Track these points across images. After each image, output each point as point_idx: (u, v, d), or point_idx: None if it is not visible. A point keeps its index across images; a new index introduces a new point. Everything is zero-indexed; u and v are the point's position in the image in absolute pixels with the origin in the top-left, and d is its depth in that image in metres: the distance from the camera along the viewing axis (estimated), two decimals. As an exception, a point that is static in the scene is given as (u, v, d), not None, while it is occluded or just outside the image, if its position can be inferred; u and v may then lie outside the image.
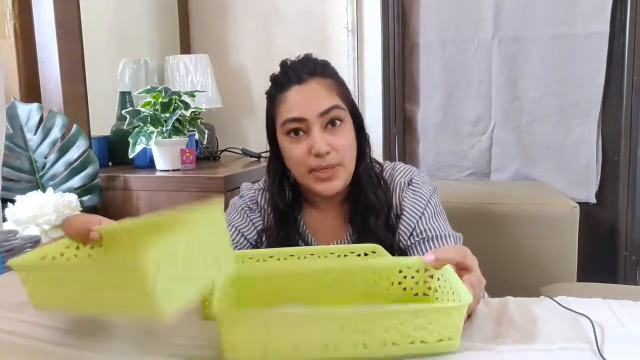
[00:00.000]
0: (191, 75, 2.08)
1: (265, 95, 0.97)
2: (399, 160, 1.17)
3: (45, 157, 1.55)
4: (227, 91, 2.25)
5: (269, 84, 0.97)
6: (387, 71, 2.12)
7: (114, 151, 1.86)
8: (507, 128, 2.06)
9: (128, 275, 0.48)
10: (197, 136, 1.72)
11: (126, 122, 1.61)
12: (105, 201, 1.62)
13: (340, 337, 0.51)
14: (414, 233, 0.94)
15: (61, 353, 0.57)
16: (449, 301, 0.59)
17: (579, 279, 1.42)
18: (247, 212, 1.01)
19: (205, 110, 1.86)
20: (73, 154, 1.55)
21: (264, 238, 1.00)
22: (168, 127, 1.62)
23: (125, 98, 1.84)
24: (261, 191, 1.03)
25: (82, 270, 0.56)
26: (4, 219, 1.31)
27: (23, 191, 1.40)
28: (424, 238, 0.93)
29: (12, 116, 1.54)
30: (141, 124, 1.61)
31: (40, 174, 1.55)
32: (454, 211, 1.07)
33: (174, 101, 1.64)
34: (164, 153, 1.68)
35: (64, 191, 1.46)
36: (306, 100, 0.90)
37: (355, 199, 0.96)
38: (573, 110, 2.00)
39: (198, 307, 0.66)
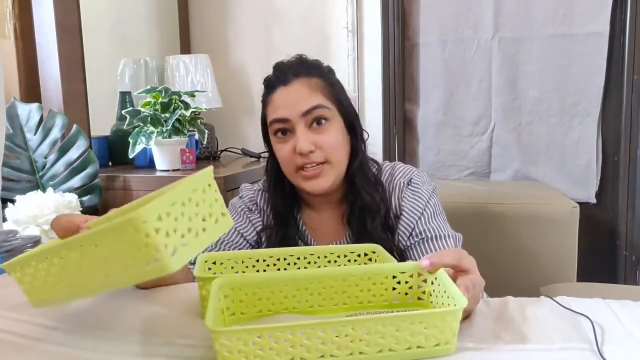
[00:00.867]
0: (191, 75, 2.08)
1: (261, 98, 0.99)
2: (398, 160, 1.17)
3: (45, 157, 1.55)
4: (227, 91, 2.25)
5: (263, 85, 0.98)
6: (387, 71, 2.12)
7: (114, 151, 1.86)
8: (507, 128, 2.06)
9: (125, 235, 0.47)
10: (197, 136, 1.72)
11: (126, 122, 1.61)
12: (105, 201, 1.62)
13: (337, 345, 0.51)
14: (414, 233, 0.94)
15: (61, 353, 0.57)
16: (444, 305, 0.59)
17: (579, 279, 1.42)
18: (247, 213, 1.01)
19: (205, 110, 1.86)
20: (73, 154, 1.55)
21: (263, 238, 1.00)
22: (168, 127, 1.62)
23: (125, 98, 1.84)
24: (260, 192, 1.03)
25: (75, 247, 0.54)
26: (4, 219, 1.31)
27: (23, 191, 1.40)
28: (423, 238, 0.93)
29: (12, 116, 1.54)
30: (141, 124, 1.61)
31: (40, 174, 1.55)
32: (454, 211, 1.07)
33: (174, 101, 1.64)
34: (164, 153, 1.68)
35: (64, 191, 1.46)
36: (289, 100, 0.91)
37: (350, 200, 0.96)
38: (573, 110, 2.00)
39: (196, 306, 0.66)
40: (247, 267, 0.75)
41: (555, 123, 2.02)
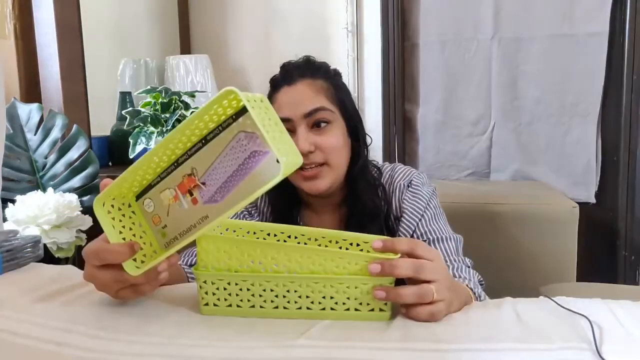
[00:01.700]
0: (191, 75, 2.08)
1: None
2: (398, 161, 1.17)
3: (46, 157, 1.55)
4: (227, 91, 2.25)
5: (269, 84, 0.99)
6: (387, 71, 2.12)
7: (114, 151, 1.86)
8: (506, 128, 2.06)
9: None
10: (197, 136, 1.72)
11: (126, 122, 1.61)
12: (105, 201, 1.62)
13: (288, 299, 0.63)
14: (414, 235, 0.94)
15: (62, 353, 0.57)
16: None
17: (579, 279, 1.42)
18: (247, 217, 1.02)
19: (205, 111, 1.85)
20: (73, 154, 1.54)
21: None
22: (168, 127, 1.62)
23: (125, 98, 1.85)
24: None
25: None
26: (4, 219, 1.30)
27: (23, 191, 1.40)
28: (424, 241, 0.93)
29: (12, 116, 1.54)
30: (141, 124, 1.61)
31: (41, 174, 1.55)
32: (453, 211, 1.07)
33: (174, 101, 1.64)
34: (164, 153, 1.68)
35: (64, 191, 1.46)
36: (293, 101, 0.92)
37: (350, 204, 0.97)
38: (573, 110, 2.00)
39: (196, 306, 0.66)
40: (238, 236, 0.75)
41: (555, 123, 2.02)
